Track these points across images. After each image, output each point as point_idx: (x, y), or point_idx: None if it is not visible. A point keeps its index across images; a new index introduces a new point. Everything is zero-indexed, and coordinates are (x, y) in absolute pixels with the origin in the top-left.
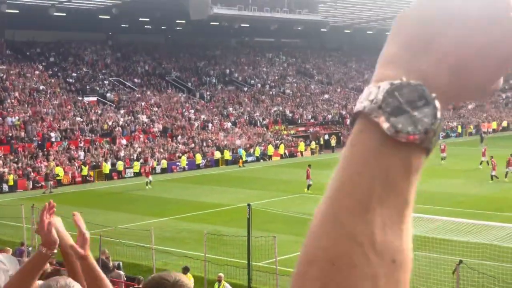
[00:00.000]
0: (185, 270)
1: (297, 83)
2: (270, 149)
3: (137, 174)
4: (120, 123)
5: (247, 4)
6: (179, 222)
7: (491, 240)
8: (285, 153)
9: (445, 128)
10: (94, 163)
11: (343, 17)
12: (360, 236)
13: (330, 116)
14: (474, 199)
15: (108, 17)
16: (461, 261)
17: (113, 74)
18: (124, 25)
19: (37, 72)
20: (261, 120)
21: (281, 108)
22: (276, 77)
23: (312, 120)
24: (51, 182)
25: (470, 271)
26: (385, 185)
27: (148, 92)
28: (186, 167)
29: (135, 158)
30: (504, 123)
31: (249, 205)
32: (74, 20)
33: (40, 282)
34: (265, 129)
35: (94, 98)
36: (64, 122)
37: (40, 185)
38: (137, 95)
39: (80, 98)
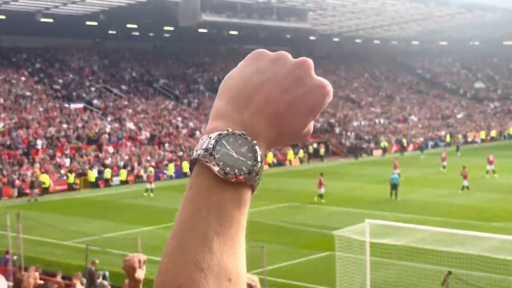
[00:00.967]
0: None
1: None
2: None
3: (124, 182)
4: (107, 130)
5: (236, 12)
6: (167, 231)
7: (479, 251)
8: (273, 162)
9: (434, 138)
10: (80, 171)
11: (332, 25)
12: (202, 262)
13: (318, 125)
14: (462, 209)
15: (96, 23)
16: (450, 272)
17: (100, 80)
18: (111, 32)
19: (23, 78)
20: None
21: None
22: None
23: None
24: (37, 190)
25: (459, 282)
26: (219, 217)
27: (136, 99)
28: (174, 175)
29: (122, 166)
30: (493, 133)
31: None
32: (61, 26)
33: None
34: None
35: (81, 105)
36: (50, 129)
37: (25, 192)
38: (124, 102)
39: (67, 105)
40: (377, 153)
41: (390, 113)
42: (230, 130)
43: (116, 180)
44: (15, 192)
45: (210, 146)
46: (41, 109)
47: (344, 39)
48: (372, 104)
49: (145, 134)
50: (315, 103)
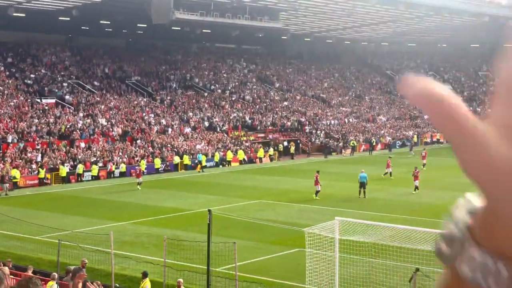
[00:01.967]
0: (144, 275)
1: (257, 89)
2: (229, 155)
3: (96, 178)
4: (79, 126)
5: (209, 10)
6: (139, 226)
7: None
8: (244, 159)
9: (402, 137)
10: (52, 166)
11: (304, 25)
12: None
13: (289, 123)
14: (429, 207)
15: (68, 18)
16: (417, 269)
17: (72, 76)
18: (84, 27)
19: None
20: (220, 126)
21: (241, 114)
22: (237, 83)
23: (271, 127)
24: (7, 185)
25: (426, 279)
26: None
27: (108, 95)
28: (145, 171)
29: (93, 161)
30: None
31: (209, 210)
32: (33, 21)
33: None
34: (225, 135)
35: (53, 100)
36: (22, 124)
37: None
38: (97, 98)
39: (38, 100)
40: (346, 152)
41: (359, 113)
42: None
43: (87, 175)
44: None
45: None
46: (12, 104)
47: (316, 39)
48: (342, 103)
49: (117, 130)
50: None
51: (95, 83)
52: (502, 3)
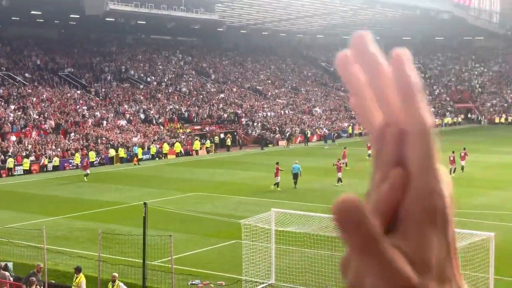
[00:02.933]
0: (77, 270)
1: (193, 81)
2: (166, 147)
3: (28, 172)
4: (10, 118)
5: (144, 1)
6: (72, 221)
7: None
8: (180, 152)
9: (337, 129)
10: None
11: (240, 17)
12: None
13: (226, 115)
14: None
15: None
16: None
17: (2, 68)
18: (14, 18)
19: None
20: (157, 118)
21: (177, 106)
22: (173, 75)
23: (208, 119)
24: None
25: None
26: None
27: (40, 88)
28: (80, 164)
29: (25, 155)
30: None
31: (145, 203)
32: None
33: None
34: (161, 127)
35: None
36: None
37: None
38: (28, 90)
39: None
40: (283, 143)
41: (295, 105)
42: None
43: (19, 169)
44: None
45: None
46: None
47: (251, 31)
48: (278, 95)
49: (49, 123)
50: None
51: (27, 75)
52: None
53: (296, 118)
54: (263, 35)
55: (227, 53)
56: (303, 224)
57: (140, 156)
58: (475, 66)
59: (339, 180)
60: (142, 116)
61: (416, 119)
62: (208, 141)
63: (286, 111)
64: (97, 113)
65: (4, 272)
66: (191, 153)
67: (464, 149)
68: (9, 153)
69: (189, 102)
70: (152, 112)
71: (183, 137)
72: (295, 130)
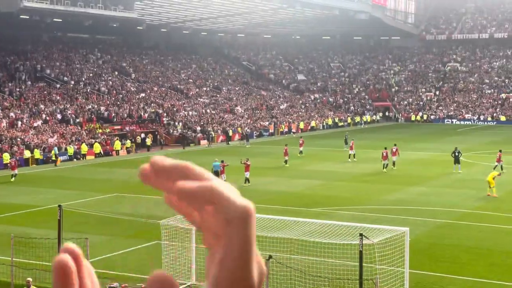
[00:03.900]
0: None
1: (112, 80)
2: (84, 148)
3: None
4: None
5: None
6: None
7: (298, 235)
8: (100, 152)
9: (259, 128)
10: None
11: (160, 15)
12: None
13: (146, 115)
14: (284, 196)
15: None
16: (270, 256)
17: None
18: None
19: None
20: (74, 118)
21: (96, 106)
22: (91, 74)
23: (128, 119)
24: None
25: (279, 266)
26: None
27: None
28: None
29: None
30: (313, 123)
31: (60, 206)
32: None
33: None
34: (79, 127)
35: None
36: None
37: None
38: None
39: None
40: (204, 142)
41: (217, 104)
42: None
43: None
44: None
45: None
46: None
47: (172, 30)
48: (200, 94)
49: None
50: None
51: None
52: None
53: (218, 117)
54: (184, 34)
55: (148, 52)
56: None
57: (54, 157)
58: (392, 65)
59: (247, 180)
60: (59, 116)
61: (232, 208)
62: (128, 141)
63: (208, 110)
64: (12, 114)
65: None
66: (111, 153)
67: (395, 145)
68: None
69: (108, 102)
70: (69, 112)
71: (102, 137)
72: (217, 129)
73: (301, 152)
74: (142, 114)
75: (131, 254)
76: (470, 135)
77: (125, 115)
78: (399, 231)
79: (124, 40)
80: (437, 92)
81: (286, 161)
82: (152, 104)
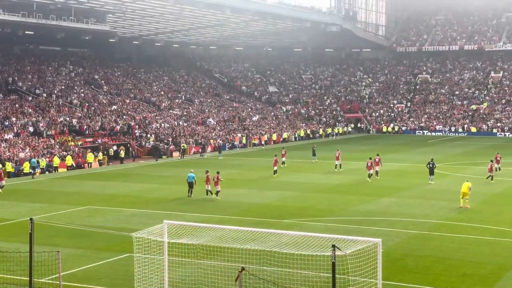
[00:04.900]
0: None
1: (85, 93)
2: (56, 161)
3: None
4: None
5: (32, 11)
6: None
7: (271, 247)
8: (72, 165)
9: (231, 139)
10: None
11: (132, 28)
12: None
13: (118, 127)
14: (256, 208)
15: None
16: (243, 268)
17: None
18: None
19: None
20: (46, 131)
21: (68, 119)
22: (63, 87)
23: (100, 131)
24: None
25: (252, 278)
26: None
27: None
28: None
29: None
30: (285, 135)
31: (31, 219)
32: None
33: None
34: (51, 140)
35: None
36: None
37: None
38: None
39: None
40: (176, 154)
41: (189, 116)
42: None
43: None
44: None
45: None
46: None
47: (144, 42)
48: (172, 107)
49: None
50: None
51: None
52: (322, 10)
53: (190, 129)
54: (156, 46)
55: (120, 64)
56: (197, 236)
57: (27, 170)
58: (363, 77)
59: (208, 192)
60: (31, 129)
61: None
62: (100, 154)
63: (180, 122)
64: None
65: None
66: (83, 166)
67: (378, 155)
68: None
69: (80, 114)
70: (41, 124)
71: (74, 149)
72: (189, 141)
73: (283, 162)
74: (115, 126)
75: (104, 267)
76: (441, 146)
77: (97, 127)
78: (371, 242)
79: (96, 52)
80: (408, 104)
81: (275, 172)
82: (124, 117)
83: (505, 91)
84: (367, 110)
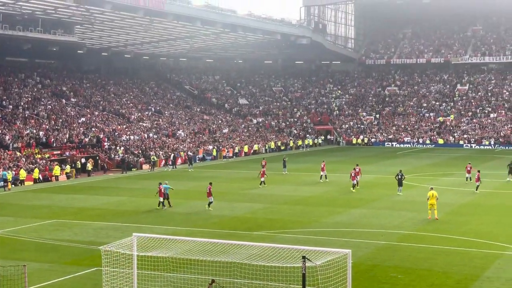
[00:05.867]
0: None
1: (52, 105)
2: (23, 174)
3: None
4: None
5: None
6: None
7: (241, 259)
8: (39, 178)
9: (202, 151)
10: None
11: (100, 39)
12: None
13: (87, 139)
14: (227, 220)
15: None
16: (213, 281)
17: None
18: None
19: None
20: (13, 143)
21: (34, 131)
22: (30, 99)
23: (68, 143)
24: None
25: None
26: None
27: None
28: None
29: None
30: (256, 147)
31: None
32: None
33: None
34: (18, 153)
35: None
36: None
37: None
38: None
39: None
40: (146, 167)
41: (159, 128)
42: None
43: None
44: None
45: None
46: None
47: (113, 54)
48: (142, 119)
49: None
50: None
51: None
52: (292, 22)
53: (160, 141)
54: (126, 58)
55: (88, 76)
56: (167, 248)
57: None
58: (333, 89)
59: (161, 203)
60: None
61: None
62: (68, 166)
63: (150, 135)
64: None
65: None
66: (50, 179)
67: (357, 165)
68: None
69: (47, 127)
70: (7, 137)
71: (41, 162)
72: (159, 153)
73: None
74: (83, 138)
75: (71, 281)
76: (409, 158)
77: (65, 140)
78: (341, 253)
79: (64, 64)
80: (377, 116)
81: (262, 183)
82: (93, 129)
83: (471, 103)
84: (337, 122)
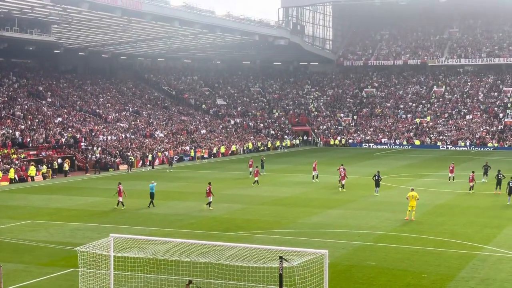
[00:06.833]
0: None
1: (28, 105)
2: None
3: None
4: None
5: None
6: None
7: (218, 259)
8: (15, 178)
9: (180, 152)
10: None
11: (78, 39)
12: None
13: (63, 140)
14: (205, 220)
15: None
16: (190, 281)
17: None
18: None
19: None
20: None
21: (10, 131)
22: (6, 98)
23: (44, 144)
24: None
25: None
26: None
27: None
28: None
29: None
30: (233, 147)
31: None
32: None
33: None
34: None
35: None
36: None
37: None
38: None
39: None
40: (123, 167)
41: (136, 128)
42: None
43: None
44: None
45: None
46: None
47: (91, 53)
48: (119, 119)
49: None
50: None
51: None
52: (271, 23)
53: (137, 142)
54: (103, 58)
55: (65, 76)
56: (143, 249)
57: None
58: (311, 90)
59: (120, 203)
60: None
61: None
62: (44, 167)
63: (127, 135)
64: None
65: None
66: (26, 179)
67: (342, 164)
68: None
69: (23, 127)
70: None
71: (17, 162)
72: (136, 154)
73: (250, 173)
74: (60, 139)
75: (47, 282)
76: (386, 159)
77: (41, 140)
78: (318, 254)
79: (41, 63)
80: (355, 117)
81: (255, 182)
82: (70, 129)
83: (447, 105)
84: (314, 123)
